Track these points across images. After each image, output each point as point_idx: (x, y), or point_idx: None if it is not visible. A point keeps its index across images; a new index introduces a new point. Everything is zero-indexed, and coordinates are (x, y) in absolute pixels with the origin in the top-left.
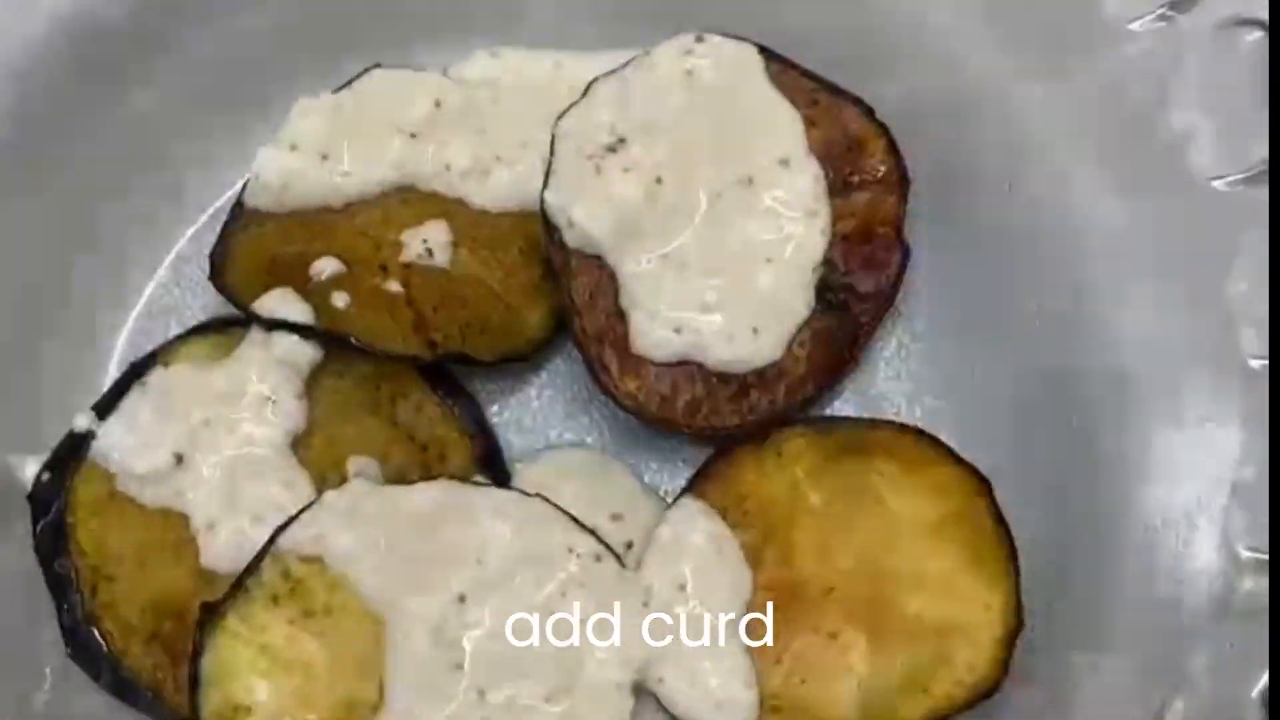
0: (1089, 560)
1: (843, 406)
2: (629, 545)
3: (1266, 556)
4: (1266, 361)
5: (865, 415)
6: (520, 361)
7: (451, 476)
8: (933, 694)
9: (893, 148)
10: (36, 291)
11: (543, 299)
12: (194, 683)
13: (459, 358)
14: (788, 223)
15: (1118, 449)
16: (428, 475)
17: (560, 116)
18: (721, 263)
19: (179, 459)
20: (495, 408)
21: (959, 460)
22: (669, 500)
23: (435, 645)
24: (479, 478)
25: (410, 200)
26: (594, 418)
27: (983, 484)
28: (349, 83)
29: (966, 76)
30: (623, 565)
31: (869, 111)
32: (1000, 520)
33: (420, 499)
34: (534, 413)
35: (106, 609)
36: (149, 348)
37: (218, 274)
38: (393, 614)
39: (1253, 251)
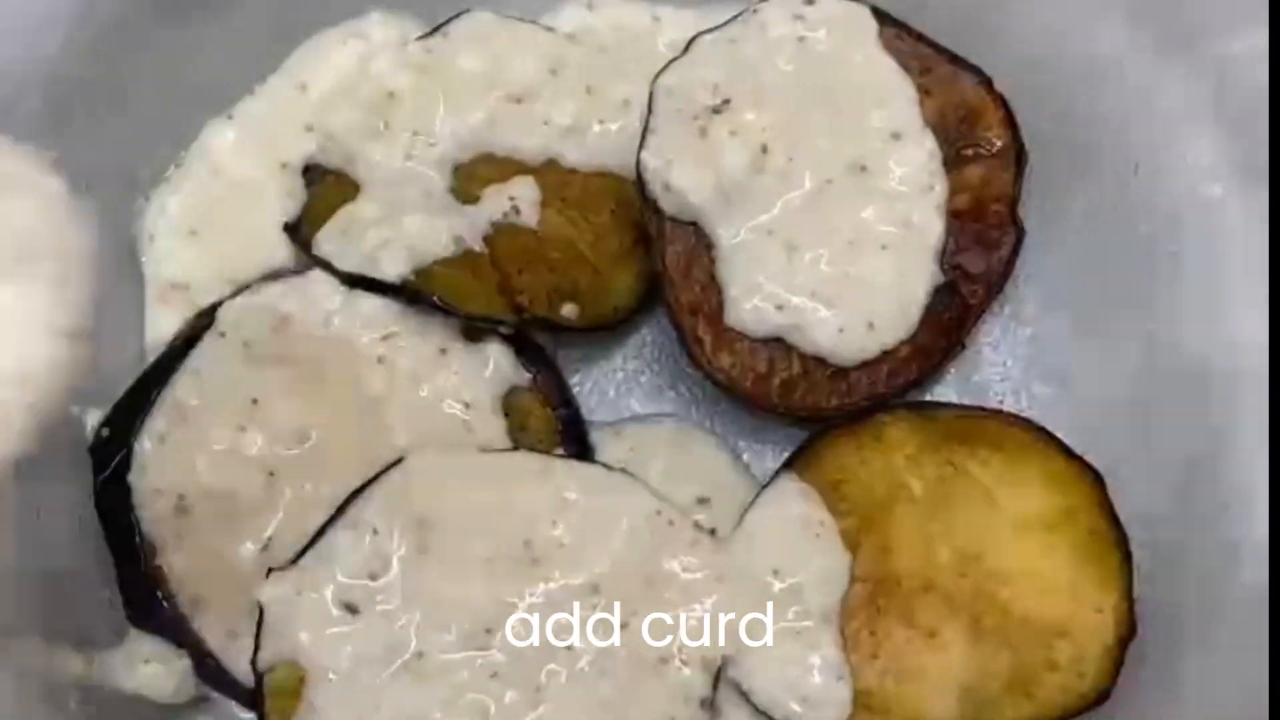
0: (1206, 566)
1: (945, 392)
2: (713, 532)
3: None
4: None
5: (969, 402)
6: (606, 330)
7: (532, 448)
8: (1037, 699)
9: (1010, 120)
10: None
11: (633, 265)
12: (257, 645)
13: (545, 324)
14: (902, 204)
15: (1239, 449)
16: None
17: (660, 73)
18: (831, 245)
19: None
20: (577, 376)
21: (1070, 454)
22: (760, 483)
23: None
24: (559, 451)
25: (495, 157)
26: (680, 392)
27: (1096, 480)
28: (435, 30)
29: (1091, 47)
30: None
31: (986, 82)
32: (1114, 519)
33: (498, 466)
34: (618, 384)
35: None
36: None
37: (293, 229)
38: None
39: None
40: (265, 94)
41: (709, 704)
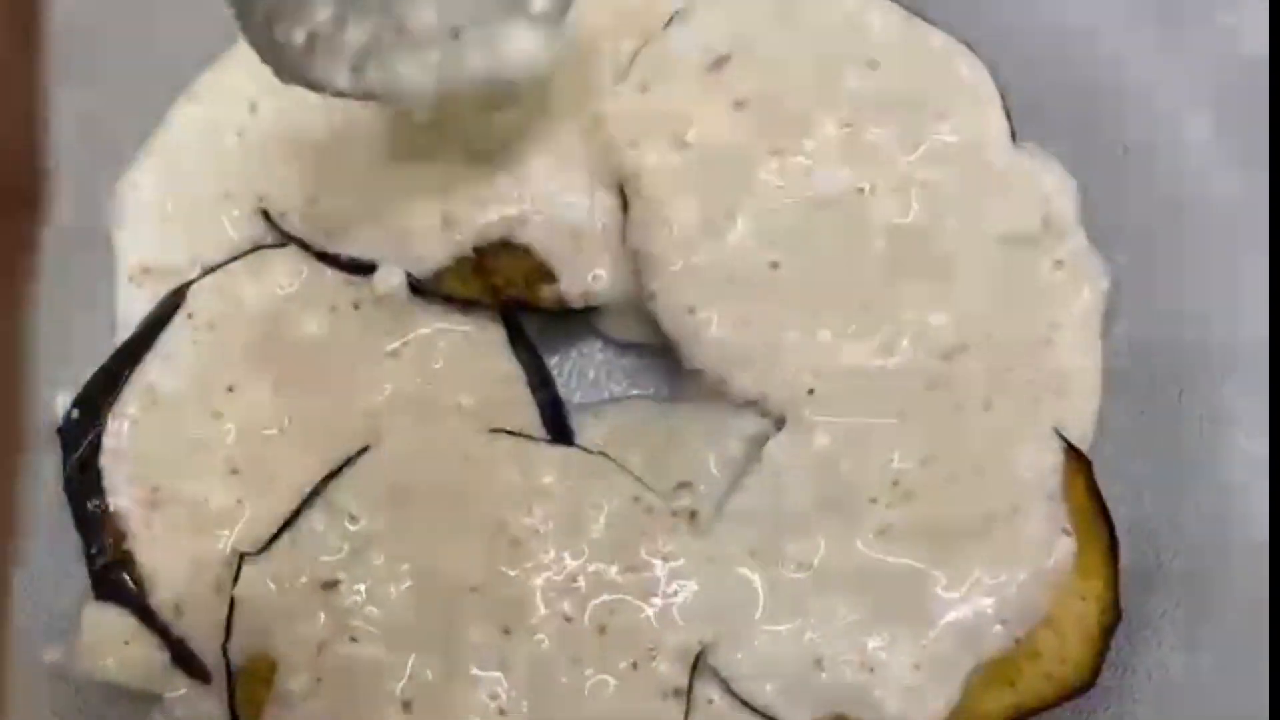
0: (1185, 552)
1: None
2: (693, 515)
3: None
4: None
5: None
6: (585, 310)
7: (511, 432)
8: (1018, 689)
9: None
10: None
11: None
12: (229, 633)
13: (521, 304)
14: None
15: (1236, 446)
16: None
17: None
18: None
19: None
20: (556, 358)
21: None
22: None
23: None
24: (539, 434)
25: None
26: (662, 374)
27: (1081, 462)
28: None
29: (1082, 20)
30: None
31: None
32: (1099, 501)
33: (474, 448)
34: (598, 365)
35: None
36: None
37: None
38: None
39: None
40: (231, 69)
41: (683, 693)
